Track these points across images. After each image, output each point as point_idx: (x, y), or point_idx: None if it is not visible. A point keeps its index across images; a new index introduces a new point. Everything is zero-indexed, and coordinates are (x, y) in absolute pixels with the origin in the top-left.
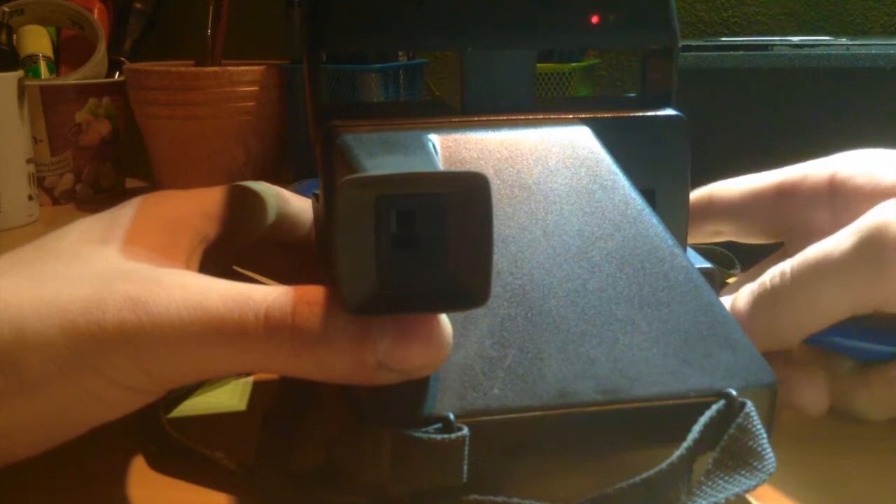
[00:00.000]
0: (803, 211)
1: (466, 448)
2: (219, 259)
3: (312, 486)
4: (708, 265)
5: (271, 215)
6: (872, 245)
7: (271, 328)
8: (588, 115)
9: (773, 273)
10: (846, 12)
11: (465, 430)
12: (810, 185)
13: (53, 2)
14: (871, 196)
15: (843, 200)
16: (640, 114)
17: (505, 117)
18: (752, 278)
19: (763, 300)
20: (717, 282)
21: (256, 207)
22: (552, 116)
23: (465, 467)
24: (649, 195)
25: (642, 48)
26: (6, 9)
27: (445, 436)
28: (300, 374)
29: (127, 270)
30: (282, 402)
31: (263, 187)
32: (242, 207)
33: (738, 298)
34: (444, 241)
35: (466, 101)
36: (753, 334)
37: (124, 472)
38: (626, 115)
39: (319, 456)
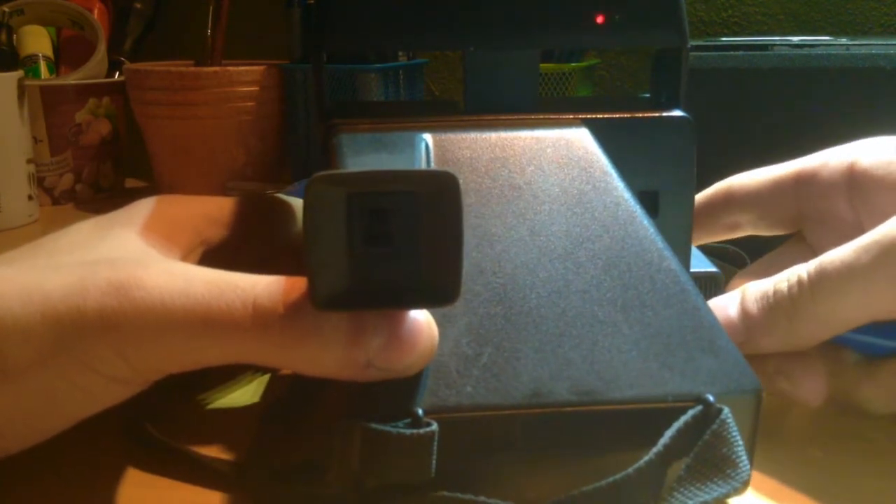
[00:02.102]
0: (821, 199)
1: (435, 443)
2: (234, 265)
3: (295, 481)
4: (713, 269)
5: (300, 225)
6: (893, 255)
7: (260, 317)
8: (590, 116)
9: (790, 279)
10: (846, 12)
11: (434, 426)
12: (829, 173)
13: (53, 2)
14: (892, 187)
15: (862, 190)
16: (645, 115)
17: (505, 117)
18: (761, 271)
19: (780, 309)
20: (722, 286)
21: (282, 217)
22: (552, 117)
23: (434, 462)
24: (652, 197)
25: (652, 48)
26: (6, 9)
27: (414, 431)
28: (287, 367)
29: (114, 259)
30: (282, 399)
31: (294, 199)
32: (263, 216)
33: (748, 300)
34: (415, 239)
35: (469, 100)
36: (770, 340)
37: (119, 472)
38: (629, 116)
39: (306, 451)
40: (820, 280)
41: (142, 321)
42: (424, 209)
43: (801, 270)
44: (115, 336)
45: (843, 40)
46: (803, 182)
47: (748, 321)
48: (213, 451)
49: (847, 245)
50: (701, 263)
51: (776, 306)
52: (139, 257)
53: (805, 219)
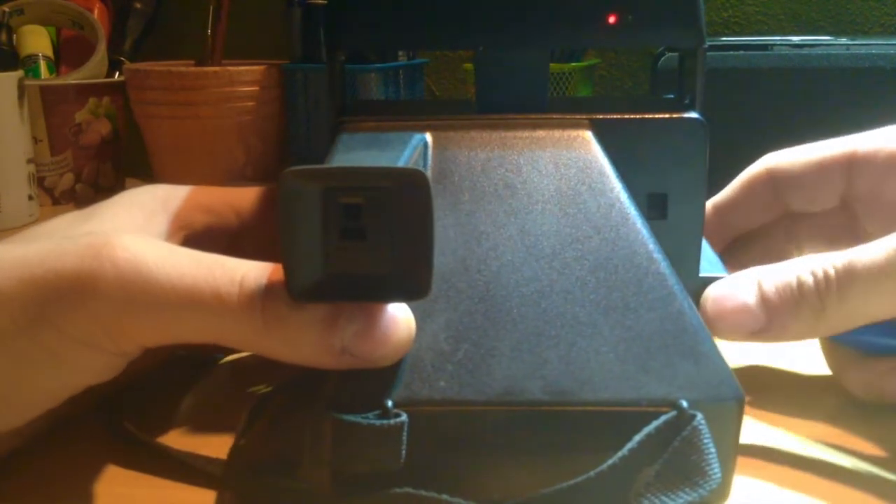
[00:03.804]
0: (878, 181)
1: (404, 435)
2: (229, 252)
3: (274, 475)
4: (725, 274)
5: None
6: None
7: (245, 297)
8: (600, 117)
9: (815, 273)
10: (846, 12)
11: (404, 417)
12: (888, 156)
13: (53, 2)
14: None
15: None
16: (656, 116)
17: (512, 117)
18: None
19: (807, 303)
20: None
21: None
22: (558, 117)
23: (403, 453)
24: (660, 199)
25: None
26: (6, 9)
27: (383, 422)
28: (265, 351)
29: (94, 230)
30: (270, 395)
31: None
32: (267, 207)
33: (767, 287)
34: (387, 234)
35: (480, 99)
36: (793, 331)
37: (101, 471)
38: (640, 117)
39: (287, 445)
40: (850, 279)
41: (123, 286)
42: (395, 205)
43: (825, 264)
44: (92, 300)
45: (843, 40)
46: (859, 161)
47: (771, 310)
48: (197, 448)
49: (878, 243)
50: (713, 267)
51: (803, 301)
52: (120, 229)
53: (855, 198)
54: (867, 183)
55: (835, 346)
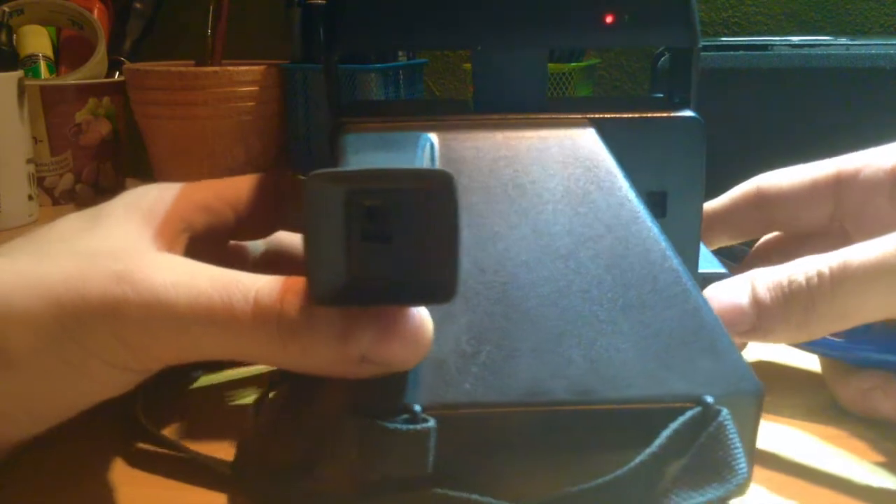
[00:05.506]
0: (862, 197)
1: (432, 439)
2: (225, 249)
3: (293, 480)
4: (722, 270)
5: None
6: None
7: (259, 313)
8: (599, 116)
9: (808, 272)
10: (846, 12)
11: (432, 422)
12: (873, 171)
13: (53, 2)
14: None
15: None
16: (654, 115)
17: (512, 116)
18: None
19: (797, 301)
20: None
21: (287, 197)
22: (559, 116)
23: (431, 458)
24: (660, 197)
25: (654, 48)
26: (6, 9)
27: (411, 426)
28: (284, 364)
29: (113, 249)
30: (275, 395)
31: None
32: (263, 197)
33: (759, 288)
34: (412, 236)
35: (478, 99)
36: (781, 330)
37: (111, 470)
38: (638, 116)
39: (302, 448)
40: (843, 276)
41: (144, 309)
42: (421, 207)
43: (819, 264)
44: (116, 322)
45: (843, 40)
46: (845, 180)
47: (761, 310)
48: (204, 447)
49: (873, 242)
50: (710, 264)
51: (792, 298)
52: (134, 246)
53: (844, 216)
54: (853, 201)
55: (828, 359)
